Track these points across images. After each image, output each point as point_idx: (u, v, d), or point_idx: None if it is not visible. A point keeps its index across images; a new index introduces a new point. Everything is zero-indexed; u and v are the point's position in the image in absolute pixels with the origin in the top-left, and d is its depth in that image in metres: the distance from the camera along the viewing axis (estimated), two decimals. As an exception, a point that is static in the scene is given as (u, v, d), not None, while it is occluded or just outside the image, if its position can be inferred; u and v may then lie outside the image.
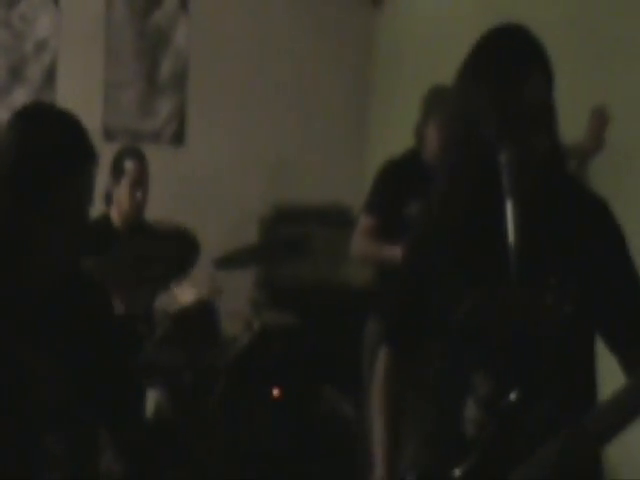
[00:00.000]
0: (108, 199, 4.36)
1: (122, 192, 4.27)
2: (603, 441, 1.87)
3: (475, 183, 1.92)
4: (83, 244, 1.98)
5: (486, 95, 1.86)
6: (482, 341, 1.94)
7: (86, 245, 1.99)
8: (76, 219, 1.93)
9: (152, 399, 3.62)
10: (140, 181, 4.28)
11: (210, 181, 5.77)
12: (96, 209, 4.40)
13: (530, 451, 1.85)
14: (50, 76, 5.60)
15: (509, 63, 1.87)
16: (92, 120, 5.56)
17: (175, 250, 4.11)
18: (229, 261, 4.19)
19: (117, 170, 4.32)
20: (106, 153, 4.74)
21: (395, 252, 3.26)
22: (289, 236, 4.80)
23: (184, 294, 4.41)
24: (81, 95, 5.56)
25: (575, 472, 1.86)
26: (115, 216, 4.35)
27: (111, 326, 2.07)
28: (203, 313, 4.04)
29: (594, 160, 3.38)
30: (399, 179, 3.78)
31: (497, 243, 1.85)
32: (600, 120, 3.36)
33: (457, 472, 1.90)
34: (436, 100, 3.68)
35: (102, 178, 4.41)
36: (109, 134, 5.67)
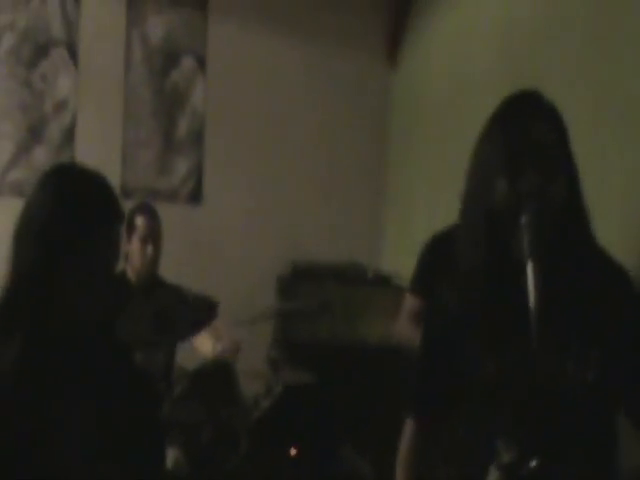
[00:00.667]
0: (124, 256, 4.38)
1: (133, 248, 4.30)
2: None
3: (494, 244, 1.92)
4: (113, 304, 1.99)
5: (498, 147, 1.88)
6: (505, 407, 1.92)
7: (116, 305, 2.01)
8: (105, 279, 1.95)
9: (171, 457, 3.60)
10: (150, 236, 4.30)
11: (227, 239, 5.79)
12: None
13: None
14: (69, 136, 5.66)
15: (517, 113, 1.92)
16: (111, 178, 5.64)
17: (193, 308, 4.10)
18: (248, 323, 4.17)
19: (129, 226, 4.35)
20: (125, 211, 4.79)
21: None
22: (307, 295, 4.79)
23: (204, 345, 4.39)
24: (100, 154, 5.61)
25: None
26: (130, 273, 4.36)
27: (137, 383, 2.07)
28: (221, 371, 4.02)
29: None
30: (446, 254, 3.70)
31: (517, 307, 1.83)
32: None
33: None
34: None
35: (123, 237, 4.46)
36: (127, 193, 5.71)
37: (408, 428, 2.15)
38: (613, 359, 1.88)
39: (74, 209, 1.92)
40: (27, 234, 1.93)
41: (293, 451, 3.97)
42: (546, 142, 1.88)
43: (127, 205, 4.89)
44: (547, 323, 1.73)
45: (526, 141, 1.87)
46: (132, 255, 4.31)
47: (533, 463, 1.80)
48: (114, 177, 5.68)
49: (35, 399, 1.88)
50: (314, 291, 5.16)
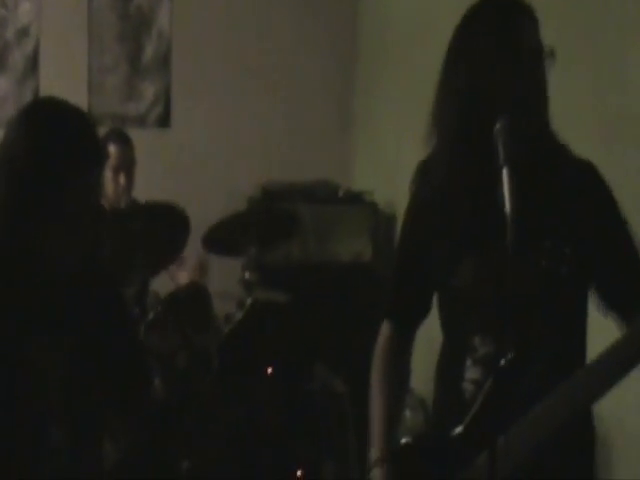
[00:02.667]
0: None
1: (106, 176, 4.27)
2: (596, 397, 1.91)
3: (471, 151, 1.95)
4: (98, 239, 1.98)
5: (484, 44, 1.91)
6: (481, 305, 1.98)
7: (101, 240, 1.99)
8: (88, 216, 1.92)
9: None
10: (124, 165, 4.28)
11: (197, 163, 5.78)
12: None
13: (527, 409, 1.89)
14: (33, 64, 5.59)
15: (508, 12, 1.92)
16: (77, 105, 5.59)
17: (165, 228, 4.11)
18: (218, 237, 4.18)
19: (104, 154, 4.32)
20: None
21: None
22: (278, 215, 4.79)
23: (178, 277, 4.43)
24: (65, 82, 5.55)
25: (569, 429, 1.91)
26: (103, 200, 4.36)
27: (118, 306, 2.07)
28: (195, 295, 4.06)
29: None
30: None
31: (492, 210, 1.86)
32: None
33: (457, 430, 1.94)
34: None
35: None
36: (95, 119, 5.66)
37: (384, 330, 2.19)
38: (586, 254, 1.95)
39: (53, 148, 1.87)
40: (5, 174, 1.88)
41: (269, 370, 4.02)
42: (535, 49, 1.91)
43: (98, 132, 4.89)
44: (522, 225, 1.76)
45: (508, 44, 1.90)
46: (105, 183, 4.30)
47: (510, 356, 1.85)
48: (81, 104, 5.61)
49: (13, 335, 1.89)
50: (285, 211, 5.16)
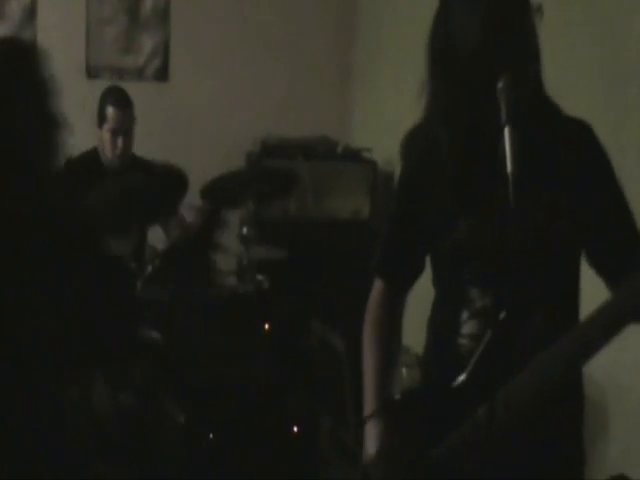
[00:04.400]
0: (99, 142, 4.36)
1: (104, 137, 4.27)
2: (589, 353, 1.91)
3: (471, 110, 1.94)
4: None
5: (476, 13, 1.88)
6: (478, 257, 1.98)
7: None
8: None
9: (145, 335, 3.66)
10: (122, 128, 4.26)
11: (195, 117, 5.74)
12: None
13: (524, 363, 1.89)
14: (30, 13, 5.52)
15: None
16: (75, 57, 5.57)
17: (163, 185, 4.10)
18: (217, 190, 4.18)
19: (100, 114, 4.31)
20: (90, 90, 4.74)
21: None
22: (276, 170, 4.78)
23: (173, 232, 4.42)
24: (63, 33, 5.50)
25: (561, 385, 1.92)
26: (101, 155, 4.35)
27: (99, 259, 2.04)
28: (194, 249, 4.06)
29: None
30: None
31: (489, 166, 1.88)
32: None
33: (454, 383, 1.94)
34: None
35: (88, 115, 4.42)
36: (92, 71, 5.61)
37: (376, 287, 2.19)
38: (582, 212, 1.95)
39: None
40: None
41: (266, 326, 4.03)
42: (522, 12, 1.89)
43: (93, 84, 4.86)
44: (523, 183, 1.76)
45: (502, 9, 1.87)
46: (103, 144, 4.29)
47: (507, 309, 1.85)
48: (79, 56, 5.58)
49: None
50: (284, 166, 5.16)
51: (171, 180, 4.03)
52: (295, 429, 3.62)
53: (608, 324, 1.87)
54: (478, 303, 1.99)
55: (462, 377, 1.93)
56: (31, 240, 1.91)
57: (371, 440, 2.05)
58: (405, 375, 4.19)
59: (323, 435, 3.79)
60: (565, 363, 1.91)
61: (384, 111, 5.53)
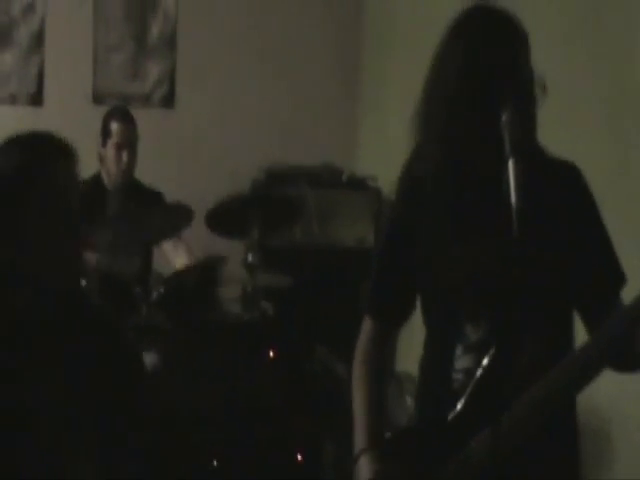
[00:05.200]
0: (100, 160, 4.38)
1: (108, 154, 4.29)
2: (582, 385, 1.91)
3: (470, 143, 1.94)
4: (78, 259, 1.94)
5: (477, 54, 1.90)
6: (474, 292, 1.97)
7: (81, 261, 1.95)
8: (60, 226, 1.88)
9: (148, 362, 3.64)
10: (126, 143, 4.29)
11: (200, 144, 5.76)
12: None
13: (518, 395, 1.88)
14: (38, 40, 5.56)
15: (492, 26, 1.93)
16: (82, 83, 5.59)
17: (168, 215, 4.11)
18: (222, 217, 4.18)
19: (104, 131, 4.33)
20: (96, 116, 4.75)
21: None
22: (282, 198, 4.78)
23: (178, 257, 4.42)
24: (70, 59, 5.54)
25: (554, 418, 1.91)
26: (105, 177, 4.36)
27: (115, 349, 2.01)
28: (199, 277, 4.05)
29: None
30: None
31: (484, 200, 1.90)
32: None
33: (447, 418, 1.94)
34: None
35: (93, 141, 4.43)
36: (99, 97, 5.64)
37: (365, 326, 2.18)
38: (567, 258, 1.96)
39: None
40: None
41: (271, 353, 4.02)
42: (514, 51, 1.92)
43: (100, 110, 4.86)
44: (528, 217, 1.77)
45: (493, 49, 1.90)
46: (107, 160, 4.30)
47: (500, 344, 1.87)
48: (85, 82, 5.61)
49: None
50: (289, 194, 5.16)
51: (177, 209, 4.03)
52: (299, 457, 3.60)
53: (602, 355, 1.86)
54: (472, 337, 1.98)
55: (457, 410, 1.93)
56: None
57: (364, 476, 2.02)
58: (410, 404, 4.17)
59: (326, 463, 3.76)
60: (559, 393, 1.90)
61: (390, 139, 5.53)
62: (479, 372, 1.92)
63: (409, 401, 4.14)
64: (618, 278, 2.02)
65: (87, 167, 4.47)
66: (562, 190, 1.98)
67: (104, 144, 4.33)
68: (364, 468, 2.03)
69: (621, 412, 3.28)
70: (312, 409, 3.94)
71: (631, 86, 3.39)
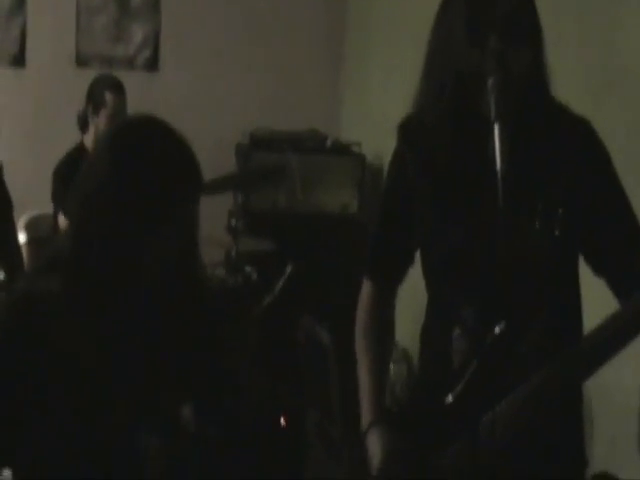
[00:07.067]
0: (83, 126, 4.35)
1: (101, 123, 4.27)
2: (591, 370, 1.88)
3: (459, 109, 1.91)
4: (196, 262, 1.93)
5: (461, 17, 1.86)
6: (470, 271, 1.94)
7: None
8: (187, 244, 1.87)
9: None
10: (118, 115, 4.27)
11: (184, 108, 5.69)
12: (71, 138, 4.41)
13: (518, 381, 1.86)
14: (20, 3, 5.49)
15: None
16: (64, 46, 5.53)
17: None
18: (207, 188, 4.18)
19: (96, 100, 4.30)
20: (79, 79, 4.71)
21: None
22: (266, 163, 4.77)
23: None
24: (53, 20, 5.48)
25: (559, 401, 1.89)
26: (90, 145, 4.33)
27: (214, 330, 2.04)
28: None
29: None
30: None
31: (482, 169, 1.85)
32: None
33: (445, 400, 1.90)
34: None
35: (77, 104, 4.40)
36: (82, 60, 5.58)
37: (366, 288, 2.16)
38: (579, 216, 1.91)
39: (149, 180, 1.77)
40: (94, 204, 1.78)
41: (253, 318, 4.03)
42: (512, 8, 1.87)
43: (83, 73, 4.82)
44: (514, 184, 1.74)
45: (492, 6, 1.85)
46: (98, 130, 4.28)
47: (500, 326, 1.80)
48: (68, 45, 5.55)
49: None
50: (273, 159, 5.15)
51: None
52: (283, 422, 3.61)
53: (613, 340, 1.82)
54: (470, 319, 1.95)
55: (454, 393, 1.90)
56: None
57: (376, 448, 2.00)
58: (392, 370, 4.19)
59: (310, 429, 3.78)
60: (566, 379, 1.87)
61: (373, 106, 5.52)
62: (478, 355, 1.87)
63: (391, 367, 4.16)
64: (634, 232, 1.95)
65: (71, 129, 4.46)
66: (572, 145, 1.92)
67: (96, 113, 4.31)
68: (375, 441, 2.01)
69: (601, 380, 3.30)
70: (296, 376, 3.94)
71: (614, 71, 3.38)
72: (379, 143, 5.17)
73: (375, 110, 5.44)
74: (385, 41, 5.41)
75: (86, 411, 1.82)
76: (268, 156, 5.19)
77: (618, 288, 1.93)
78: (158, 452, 1.88)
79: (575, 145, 1.93)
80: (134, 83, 5.11)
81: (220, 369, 2.06)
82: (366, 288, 2.16)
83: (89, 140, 4.34)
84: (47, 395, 1.81)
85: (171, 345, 1.89)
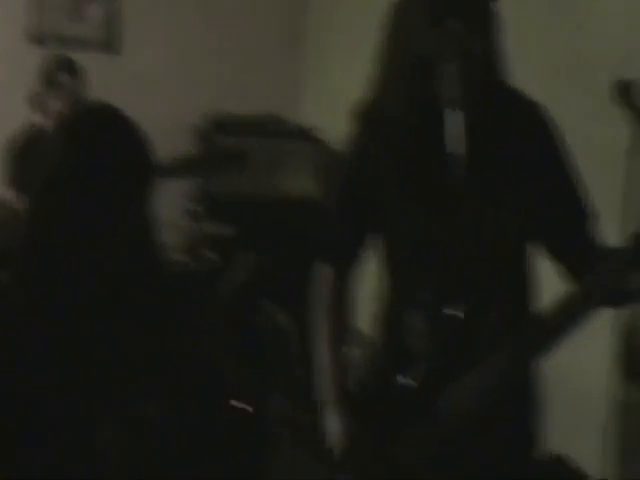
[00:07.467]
0: (37, 106, 4.29)
1: (55, 105, 4.23)
2: (546, 349, 1.88)
3: (419, 94, 1.90)
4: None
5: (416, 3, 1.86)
6: (429, 255, 1.94)
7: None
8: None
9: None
10: (75, 96, 4.25)
11: (144, 91, 5.65)
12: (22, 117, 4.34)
13: (475, 362, 1.86)
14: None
15: None
16: (18, 23, 5.42)
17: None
18: (165, 171, 4.14)
19: (52, 81, 4.26)
20: (32, 58, 4.63)
21: None
22: (226, 147, 4.74)
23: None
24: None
25: (515, 383, 1.90)
26: (43, 126, 4.28)
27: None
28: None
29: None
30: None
31: (438, 154, 1.86)
32: None
33: (400, 379, 1.92)
34: None
35: (29, 84, 4.33)
36: (35, 38, 5.46)
37: (323, 272, 2.14)
38: (534, 201, 1.93)
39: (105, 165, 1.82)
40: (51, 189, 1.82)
41: (216, 303, 4.00)
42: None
43: (36, 52, 4.73)
44: (471, 169, 1.76)
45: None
46: (55, 112, 4.23)
47: (458, 308, 1.84)
48: (19, 22, 5.43)
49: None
50: (234, 144, 5.12)
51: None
52: (244, 408, 3.59)
53: (565, 322, 1.83)
54: (428, 302, 1.95)
55: (409, 377, 1.91)
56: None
57: (334, 429, 2.00)
58: (353, 355, 4.18)
59: (272, 414, 3.77)
60: (518, 360, 1.88)
61: (335, 90, 5.52)
62: (434, 338, 1.90)
63: (353, 351, 4.15)
64: (587, 214, 1.98)
65: (22, 109, 4.38)
66: (526, 130, 1.94)
67: (49, 94, 4.26)
68: (333, 424, 2.01)
69: (555, 363, 3.32)
70: (257, 361, 3.93)
71: (575, 56, 3.39)
72: (341, 127, 5.15)
73: (337, 94, 5.43)
74: (346, 24, 5.39)
75: (44, 403, 1.80)
76: (229, 140, 5.17)
77: (571, 271, 1.96)
78: (118, 443, 1.87)
79: (528, 130, 1.95)
80: (92, 64, 5.03)
81: (181, 355, 2.04)
82: (321, 273, 2.14)
83: (42, 121, 4.29)
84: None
85: (129, 332, 1.88)
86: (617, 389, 3.17)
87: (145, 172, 1.89)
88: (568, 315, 1.82)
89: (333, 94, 5.55)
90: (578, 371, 3.38)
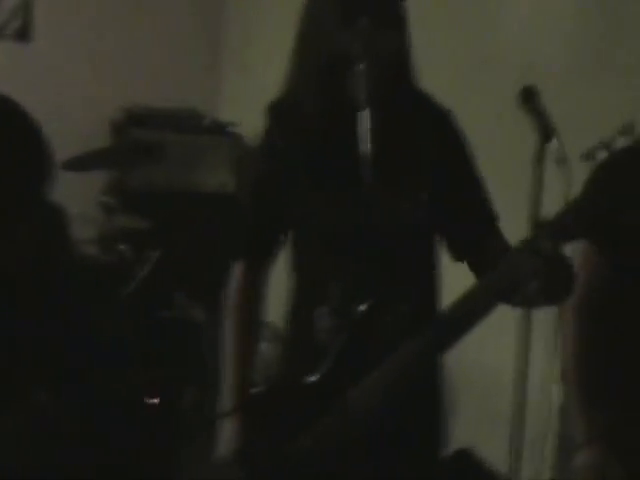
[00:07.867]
0: None
1: None
2: (449, 345, 1.91)
3: (329, 89, 1.94)
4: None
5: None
6: (337, 250, 1.97)
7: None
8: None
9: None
10: None
11: (58, 82, 5.55)
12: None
13: (382, 358, 1.87)
14: None
15: None
16: None
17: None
18: (79, 163, 4.09)
19: None
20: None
21: None
22: (142, 140, 4.70)
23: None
24: None
25: (420, 379, 1.92)
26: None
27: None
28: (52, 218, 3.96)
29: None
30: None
31: (348, 152, 1.88)
32: None
33: (310, 379, 1.92)
34: None
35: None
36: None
37: (236, 271, 2.15)
38: (440, 198, 1.98)
39: None
40: None
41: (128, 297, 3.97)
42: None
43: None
44: (380, 165, 1.78)
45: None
46: None
47: (366, 303, 1.85)
48: None
49: None
50: (149, 137, 5.08)
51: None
52: (155, 400, 3.58)
53: (467, 317, 1.85)
54: (337, 296, 1.97)
55: (318, 374, 1.91)
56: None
57: (228, 436, 2.01)
58: (265, 350, 4.18)
59: (185, 408, 3.76)
60: (423, 355, 1.90)
61: (253, 84, 5.50)
62: (343, 333, 1.91)
63: (264, 347, 4.16)
64: (491, 216, 2.05)
65: None
66: (434, 133, 1.99)
67: None
68: (228, 422, 2.01)
69: (462, 358, 3.38)
70: (170, 354, 3.91)
71: (482, 56, 3.45)
72: (258, 123, 5.15)
73: (255, 89, 5.42)
74: (267, 20, 5.39)
75: None
76: (144, 133, 5.13)
77: (473, 268, 2.02)
78: (14, 434, 1.85)
79: (437, 133, 2.01)
80: (3, 54, 4.95)
81: (89, 347, 2.03)
82: (237, 268, 2.15)
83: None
84: None
85: (30, 324, 1.86)
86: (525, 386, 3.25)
87: (41, 168, 1.85)
88: (469, 311, 1.85)
89: (253, 89, 5.53)
90: (485, 368, 3.44)
